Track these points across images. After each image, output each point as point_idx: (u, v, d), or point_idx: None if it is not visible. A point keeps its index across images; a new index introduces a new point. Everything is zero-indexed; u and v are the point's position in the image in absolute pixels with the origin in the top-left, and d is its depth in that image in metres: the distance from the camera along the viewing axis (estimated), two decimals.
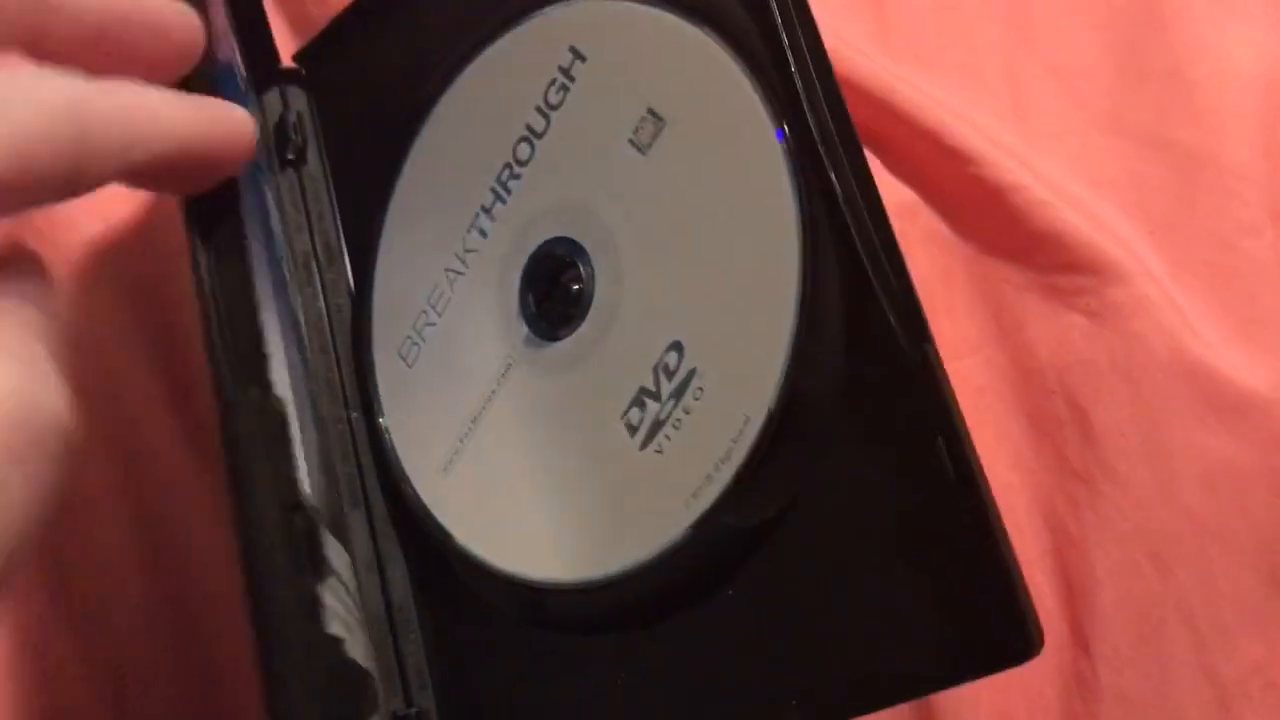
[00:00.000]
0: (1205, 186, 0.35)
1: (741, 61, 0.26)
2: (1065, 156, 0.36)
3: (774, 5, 0.26)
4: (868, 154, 0.33)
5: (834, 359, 0.25)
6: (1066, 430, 0.33)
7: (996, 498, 0.32)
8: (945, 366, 0.31)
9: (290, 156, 0.34)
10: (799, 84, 0.26)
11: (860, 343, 0.24)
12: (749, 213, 0.26)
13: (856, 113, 0.34)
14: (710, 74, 0.27)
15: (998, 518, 0.22)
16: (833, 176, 0.25)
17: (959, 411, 0.23)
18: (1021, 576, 0.22)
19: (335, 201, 0.34)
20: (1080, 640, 0.32)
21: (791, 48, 0.26)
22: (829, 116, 0.26)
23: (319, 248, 0.33)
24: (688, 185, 0.27)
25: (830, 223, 0.25)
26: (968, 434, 0.23)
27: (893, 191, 0.35)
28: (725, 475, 0.25)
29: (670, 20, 0.28)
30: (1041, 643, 0.22)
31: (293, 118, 0.34)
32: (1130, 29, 0.37)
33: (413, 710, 0.30)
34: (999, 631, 0.22)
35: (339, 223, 0.33)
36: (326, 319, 0.33)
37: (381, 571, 0.31)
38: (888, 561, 0.24)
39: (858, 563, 0.24)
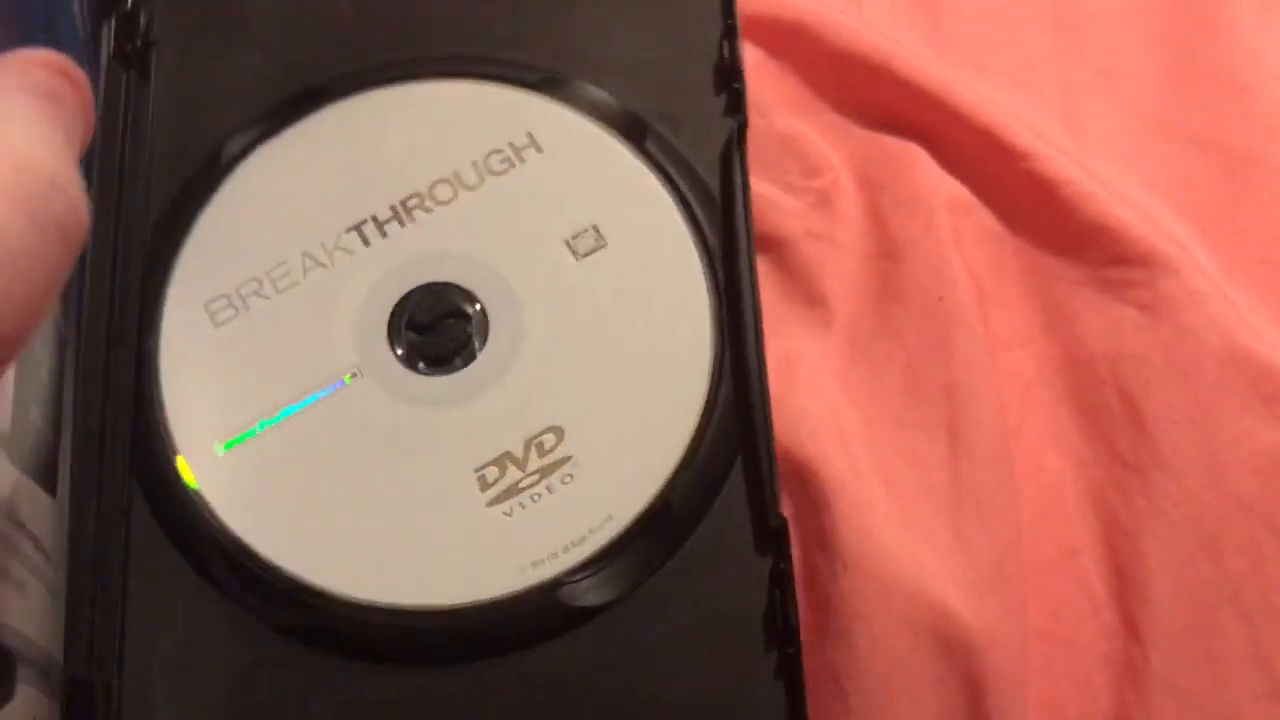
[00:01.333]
0: (1255, 186, 0.35)
1: (691, 224, 0.31)
2: (1116, 158, 0.36)
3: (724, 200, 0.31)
4: (922, 150, 0.34)
5: (705, 494, 0.29)
6: (1117, 420, 0.33)
7: (1046, 487, 0.33)
8: (999, 356, 0.33)
9: (133, 47, 0.32)
10: (734, 262, 0.30)
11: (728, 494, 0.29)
12: (667, 348, 0.30)
13: (912, 109, 0.35)
14: (662, 222, 0.31)
15: (801, 675, 0.27)
16: (750, 342, 0.30)
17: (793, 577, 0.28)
18: None
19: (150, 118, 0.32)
20: (1131, 628, 0.32)
21: (730, 240, 0.31)
22: (749, 291, 0.30)
23: (126, 161, 0.31)
24: (613, 301, 0.30)
25: (735, 383, 0.29)
26: (796, 608, 0.28)
27: (946, 186, 0.35)
28: (573, 558, 0.28)
29: (636, 164, 0.31)
30: None
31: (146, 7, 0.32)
32: (1180, 35, 0.37)
33: (93, 680, 0.27)
34: None
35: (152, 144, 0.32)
36: (113, 241, 0.31)
37: (99, 527, 0.29)
38: (689, 676, 0.28)
39: (663, 666, 0.28)
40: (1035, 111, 0.37)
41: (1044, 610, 0.32)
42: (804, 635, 0.31)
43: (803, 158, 0.36)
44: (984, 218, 0.35)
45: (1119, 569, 0.32)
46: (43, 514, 0.27)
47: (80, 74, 0.20)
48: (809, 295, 0.34)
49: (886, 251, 0.34)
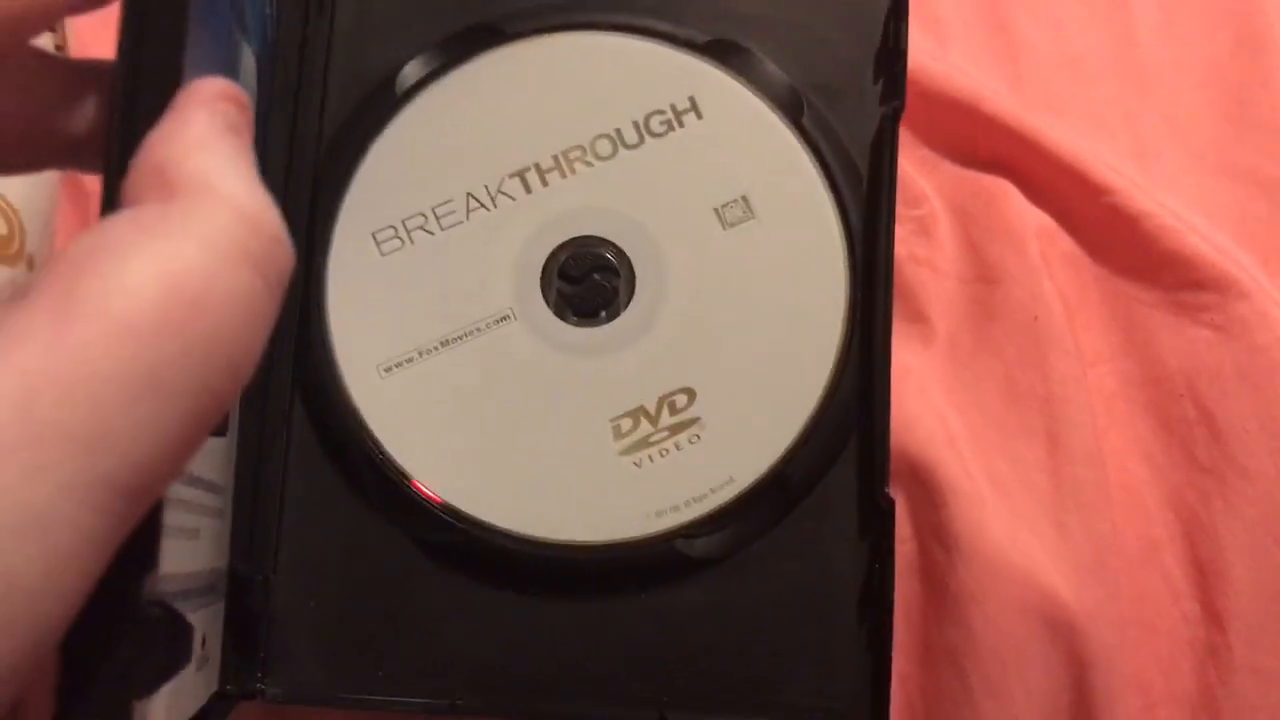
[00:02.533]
0: None
1: (838, 206, 0.32)
2: (1181, 195, 0.40)
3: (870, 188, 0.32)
4: (1010, 183, 0.38)
5: (821, 466, 0.31)
6: (1194, 430, 0.37)
7: (1129, 489, 0.36)
8: (1084, 373, 0.36)
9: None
10: (873, 248, 0.31)
11: (840, 470, 0.31)
12: (801, 322, 0.31)
13: (1000, 146, 0.38)
14: (810, 201, 0.32)
15: (889, 645, 0.29)
16: (879, 329, 0.31)
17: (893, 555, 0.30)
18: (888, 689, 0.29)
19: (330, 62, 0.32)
20: (1213, 616, 0.35)
21: (872, 225, 0.31)
22: (884, 278, 0.31)
23: (303, 80, 0.32)
24: (754, 273, 0.31)
25: (860, 366, 0.31)
26: (893, 588, 0.30)
27: (1033, 218, 0.39)
28: (693, 512, 0.30)
29: (791, 141, 0.32)
30: None
31: None
32: (1235, 83, 0.41)
33: (253, 574, 0.30)
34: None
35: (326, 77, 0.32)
36: (287, 159, 0.32)
37: (263, 431, 0.31)
38: (786, 632, 0.30)
39: (764, 620, 0.30)
40: (1109, 151, 0.40)
41: (1130, 600, 0.36)
42: (921, 619, 0.35)
43: (903, 188, 0.39)
44: (1068, 245, 0.39)
45: (1198, 563, 0.36)
46: (213, 456, 0.27)
47: (245, 97, 0.19)
48: (914, 313, 0.38)
49: (982, 276, 0.38)
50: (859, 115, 0.32)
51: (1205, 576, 0.36)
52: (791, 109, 0.32)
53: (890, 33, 0.32)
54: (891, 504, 0.30)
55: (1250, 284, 0.37)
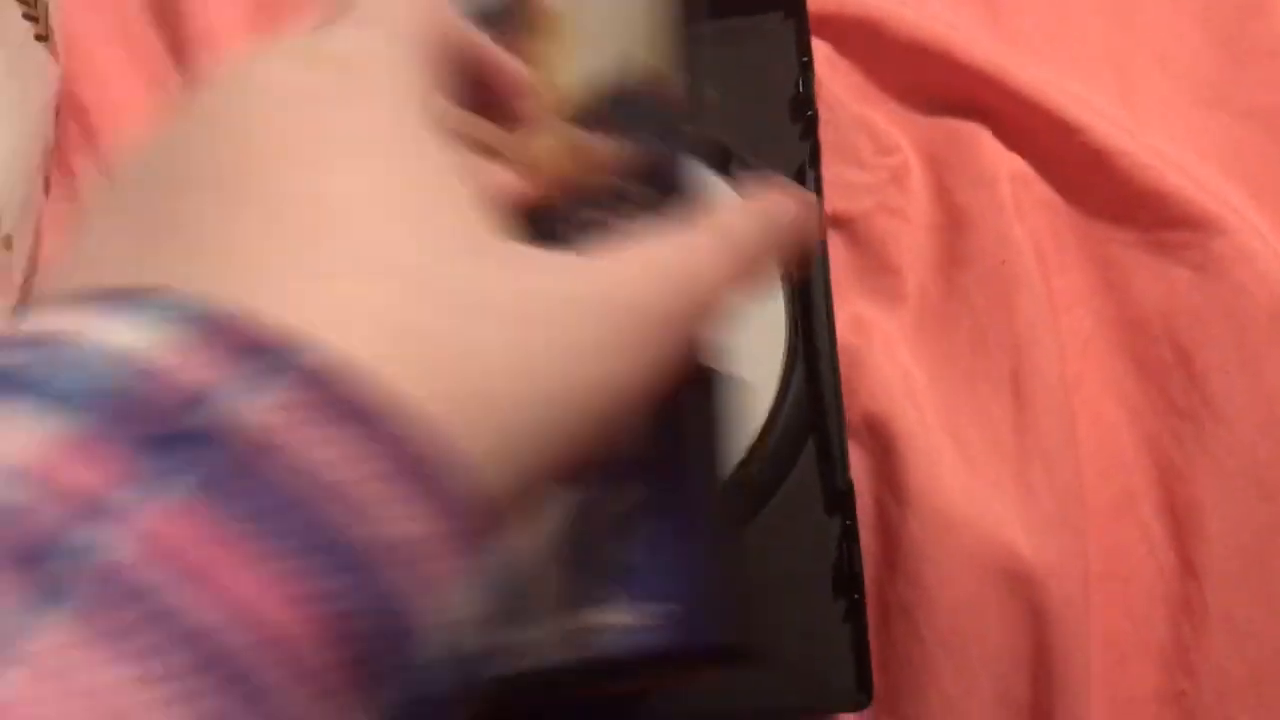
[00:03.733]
0: None
1: None
2: (1171, 133, 0.38)
3: None
4: (984, 128, 0.37)
5: (781, 466, 0.34)
6: (1172, 373, 0.35)
7: (1104, 437, 0.35)
8: (1059, 316, 0.35)
9: None
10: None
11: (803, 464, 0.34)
12: (744, 340, 0.31)
13: (973, 91, 0.38)
14: None
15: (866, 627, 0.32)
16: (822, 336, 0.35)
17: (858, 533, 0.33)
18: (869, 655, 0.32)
19: None
20: (1188, 567, 0.34)
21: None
22: (821, 291, 0.35)
23: None
24: None
25: (807, 370, 0.34)
26: (860, 561, 0.33)
27: (1008, 162, 0.38)
28: None
29: (722, 186, 0.35)
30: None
31: None
32: (1232, 16, 0.39)
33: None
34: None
35: None
36: None
37: None
38: (774, 612, 0.32)
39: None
40: (1092, 91, 0.39)
41: (1103, 552, 0.34)
42: (875, 573, 0.34)
43: (875, 138, 0.38)
44: (1043, 190, 0.38)
45: (1175, 512, 0.34)
46: None
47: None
48: (881, 265, 0.37)
49: (953, 222, 0.37)
50: (783, 157, 0.37)
51: (1181, 526, 0.34)
52: (721, 163, 0.36)
53: (800, 85, 0.37)
54: (850, 486, 0.33)
55: (1232, 220, 0.35)
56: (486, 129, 0.25)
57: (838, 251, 0.38)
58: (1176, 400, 0.35)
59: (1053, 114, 0.37)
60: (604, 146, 0.27)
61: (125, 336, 0.14)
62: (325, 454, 0.14)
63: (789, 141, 0.37)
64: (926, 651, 0.33)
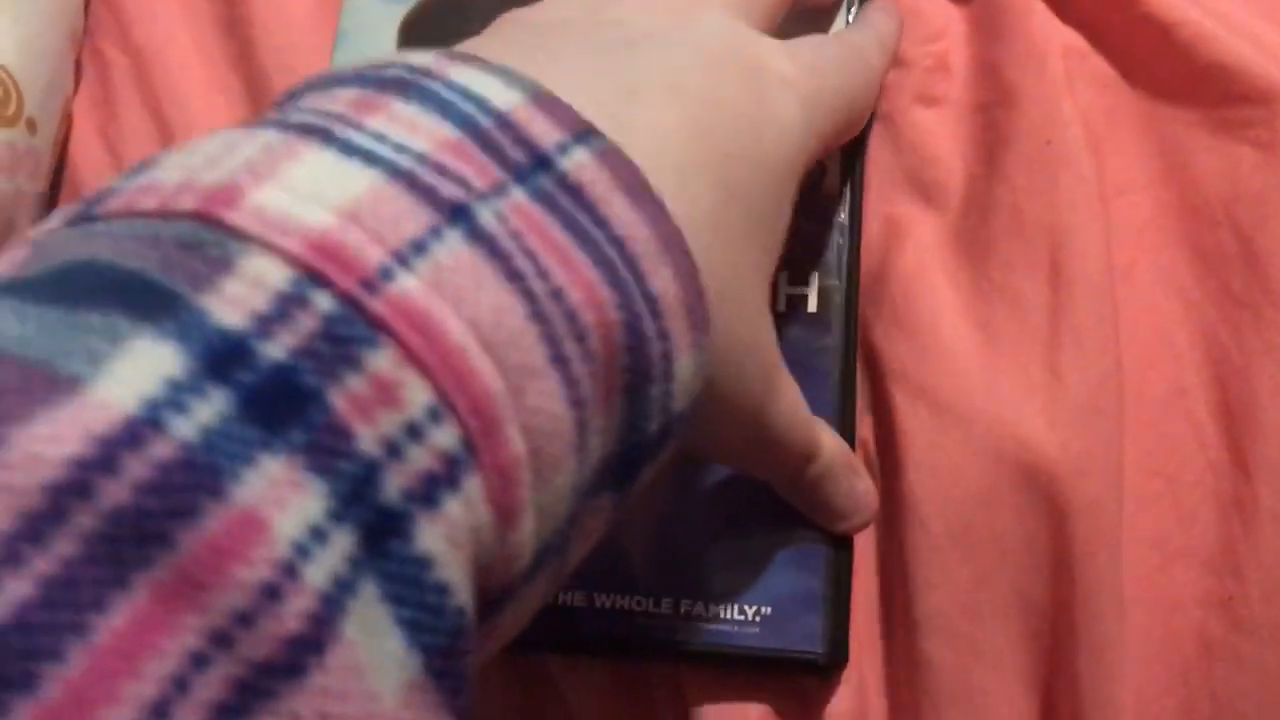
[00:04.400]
0: None
1: None
2: None
3: None
4: (1039, 1, 0.35)
5: None
6: (1231, 262, 0.33)
7: (1156, 328, 0.33)
8: (1112, 201, 0.33)
9: None
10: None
11: None
12: None
13: None
14: None
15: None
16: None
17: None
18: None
19: None
20: (1240, 464, 0.32)
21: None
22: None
23: None
24: None
25: None
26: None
27: (1061, 35, 0.35)
28: None
29: None
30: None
31: None
32: None
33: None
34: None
35: None
36: None
37: None
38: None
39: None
40: None
41: (1150, 448, 0.32)
42: (881, 463, 0.33)
43: (921, 24, 0.36)
44: (1099, 64, 0.35)
45: (1229, 406, 0.32)
46: None
47: None
48: (920, 158, 0.35)
49: (999, 100, 0.35)
50: None
51: (1235, 421, 0.32)
52: None
53: None
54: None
55: None
56: None
57: (873, 151, 0.36)
58: (1235, 289, 0.33)
59: None
60: None
61: (481, 85, 0.19)
62: (614, 209, 0.19)
63: None
64: (935, 545, 0.31)
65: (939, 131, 0.35)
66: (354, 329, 0.15)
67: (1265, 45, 0.34)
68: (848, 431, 0.32)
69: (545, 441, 0.17)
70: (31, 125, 0.35)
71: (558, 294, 0.17)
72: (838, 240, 0.34)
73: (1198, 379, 0.33)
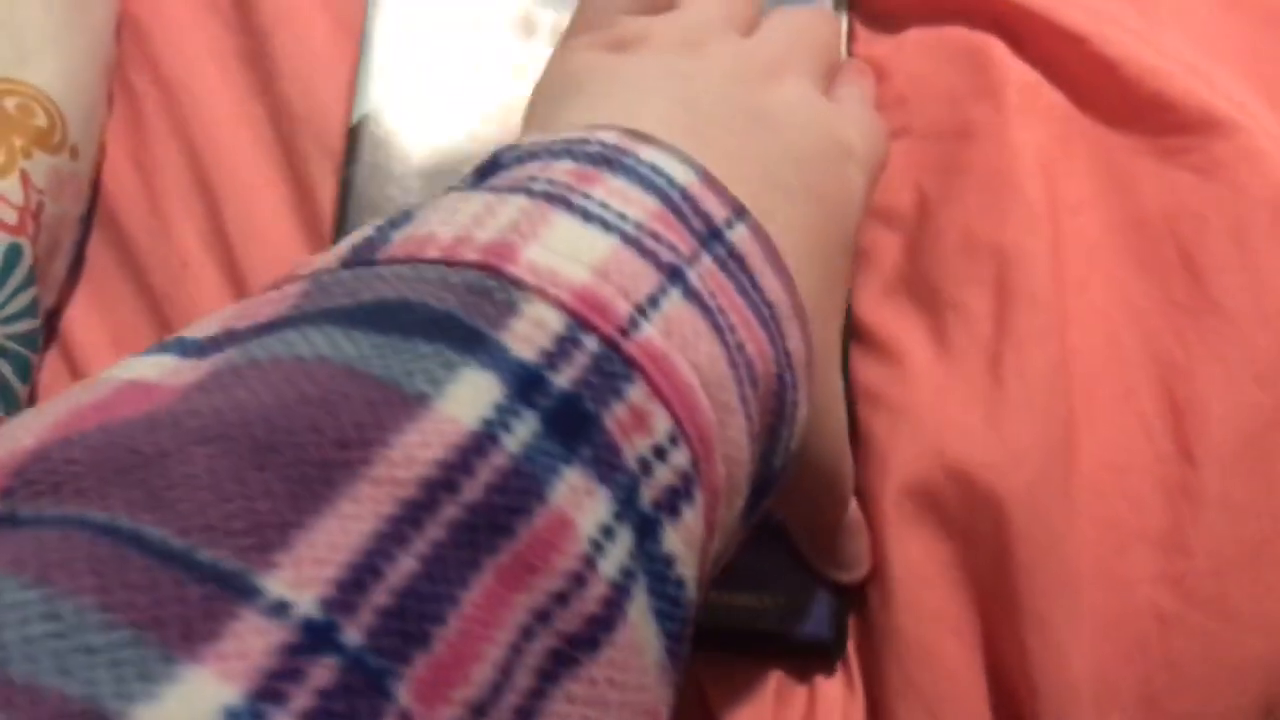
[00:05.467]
0: None
1: None
2: (1188, 33, 0.39)
3: None
4: (994, 38, 0.38)
5: None
6: (1174, 273, 0.37)
7: (1108, 335, 0.36)
8: (1065, 220, 0.36)
9: None
10: None
11: None
12: None
13: (989, 11, 0.39)
14: None
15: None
16: None
17: None
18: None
19: None
20: (1186, 455, 0.35)
21: None
22: None
23: None
24: None
25: None
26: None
27: (1016, 71, 0.39)
28: None
29: None
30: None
31: None
32: None
33: None
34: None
35: None
36: None
37: None
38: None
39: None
40: None
41: (1105, 443, 0.36)
42: None
43: (877, 67, 0.39)
44: (1053, 96, 0.39)
45: (1174, 403, 0.36)
46: None
47: None
48: (881, 186, 0.38)
49: (957, 131, 0.38)
50: None
51: (1181, 417, 0.35)
52: None
53: None
54: None
55: (1238, 121, 0.37)
56: None
57: None
58: (1178, 299, 0.36)
59: (1062, 23, 0.39)
60: None
61: (665, 164, 0.23)
62: (770, 279, 0.23)
63: None
64: (888, 522, 0.34)
65: (897, 161, 0.38)
66: (615, 366, 0.19)
67: (1203, 79, 0.38)
68: (854, 430, 0.35)
69: (735, 469, 0.21)
70: (74, 152, 0.38)
71: (740, 346, 0.21)
72: None
73: (1146, 380, 0.36)
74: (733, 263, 0.22)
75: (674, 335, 0.20)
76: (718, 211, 0.22)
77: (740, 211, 0.23)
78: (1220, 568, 0.34)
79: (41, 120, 0.36)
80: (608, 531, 0.17)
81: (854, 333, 0.37)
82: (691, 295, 0.21)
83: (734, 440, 0.21)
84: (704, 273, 0.21)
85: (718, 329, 0.21)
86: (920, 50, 0.40)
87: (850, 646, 0.35)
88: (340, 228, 0.38)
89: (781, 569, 0.34)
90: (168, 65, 0.42)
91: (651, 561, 0.18)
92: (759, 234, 0.23)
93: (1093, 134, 0.39)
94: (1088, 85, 0.39)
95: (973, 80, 0.39)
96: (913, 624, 0.34)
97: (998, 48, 0.39)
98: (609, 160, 0.22)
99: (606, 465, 0.18)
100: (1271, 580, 0.34)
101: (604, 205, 0.21)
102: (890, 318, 0.37)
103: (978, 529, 0.34)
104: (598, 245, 0.20)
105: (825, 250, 0.26)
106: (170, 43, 0.42)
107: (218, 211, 0.40)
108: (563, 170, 0.22)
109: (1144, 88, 0.37)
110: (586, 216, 0.21)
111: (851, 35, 0.41)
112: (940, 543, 0.34)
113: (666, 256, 0.21)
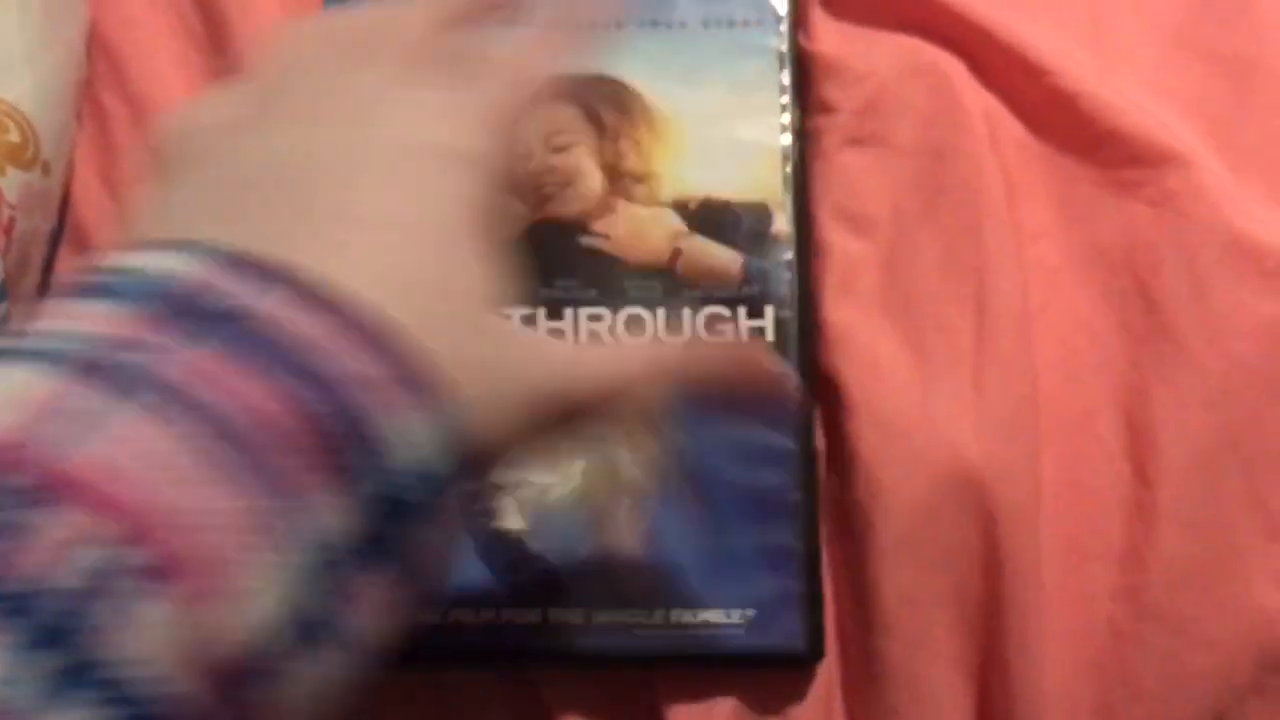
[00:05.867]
0: (1262, 92, 0.40)
1: None
2: (1137, 72, 0.41)
3: None
4: (962, 65, 0.39)
5: None
6: (1130, 301, 0.38)
7: (1067, 358, 0.38)
8: (1027, 247, 0.38)
9: None
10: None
11: None
12: None
13: (948, 32, 0.40)
14: None
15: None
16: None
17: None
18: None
19: None
20: (1142, 475, 0.36)
21: None
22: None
23: None
24: None
25: None
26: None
27: (981, 99, 0.40)
28: None
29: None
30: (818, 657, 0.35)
31: None
32: None
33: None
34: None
35: None
36: None
37: None
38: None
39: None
40: (1064, 31, 0.41)
41: (1063, 462, 0.37)
42: (832, 479, 0.37)
43: (846, 67, 0.41)
44: (1014, 126, 0.40)
45: (1131, 425, 0.37)
46: None
47: None
48: (852, 194, 0.39)
49: (929, 150, 0.39)
50: None
51: (1136, 438, 0.37)
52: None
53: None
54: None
55: (1188, 156, 0.38)
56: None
57: (814, 191, 0.40)
58: (1134, 326, 0.38)
59: (1024, 56, 0.40)
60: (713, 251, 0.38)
61: (174, 264, 0.21)
62: (305, 327, 0.21)
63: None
64: (883, 551, 0.35)
65: (869, 169, 0.40)
66: (35, 497, 0.18)
67: (1157, 116, 0.39)
68: (809, 449, 0.36)
69: (216, 536, 0.19)
70: (46, 167, 0.37)
71: (229, 419, 0.20)
72: (787, 276, 0.38)
73: (1104, 403, 0.38)
74: (248, 335, 0.21)
75: (120, 445, 0.19)
76: (236, 289, 0.21)
77: (276, 276, 0.21)
78: (1173, 584, 0.35)
79: (15, 136, 0.36)
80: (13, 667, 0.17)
81: (835, 344, 0.38)
82: (156, 395, 0.20)
83: (208, 508, 0.19)
84: (184, 361, 0.20)
85: (196, 417, 0.20)
86: (889, 60, 0.41)
87: (834, 667, 0.36)
88: None
89: (749, 583, 0.35)
90: (138, 84, 0.42)
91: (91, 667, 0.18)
92: (299, 289, 0.21)
93: (1053, 164, 0.40)
94: (1046, 116, 0.40)
95: (941, 101, 0.40)
96: (897, 649, 0.35)
97: (959, 72, 0.40)
98: (82, 285, 0.21)
99: (13, 600, 0.17)
100: (1222, 596, 0.35)
101: (52, 334, 0.21)
102: (873, 332, 0.37)
103: (969, 547, 0.35)
104: (20, 383, 0.19)
105: (431, 256, 0.24)
106: (141, 62, 0.42)
107: None
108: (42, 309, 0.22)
109: (1102, 122, 0.39)
110: (18, 355, 0.20)
111: (807, 30, 0.42)
112: (932, 564, 0.35)
113: (128, 364, 0.20)
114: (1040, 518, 0.36)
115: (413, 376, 0.22)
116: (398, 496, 0.22)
